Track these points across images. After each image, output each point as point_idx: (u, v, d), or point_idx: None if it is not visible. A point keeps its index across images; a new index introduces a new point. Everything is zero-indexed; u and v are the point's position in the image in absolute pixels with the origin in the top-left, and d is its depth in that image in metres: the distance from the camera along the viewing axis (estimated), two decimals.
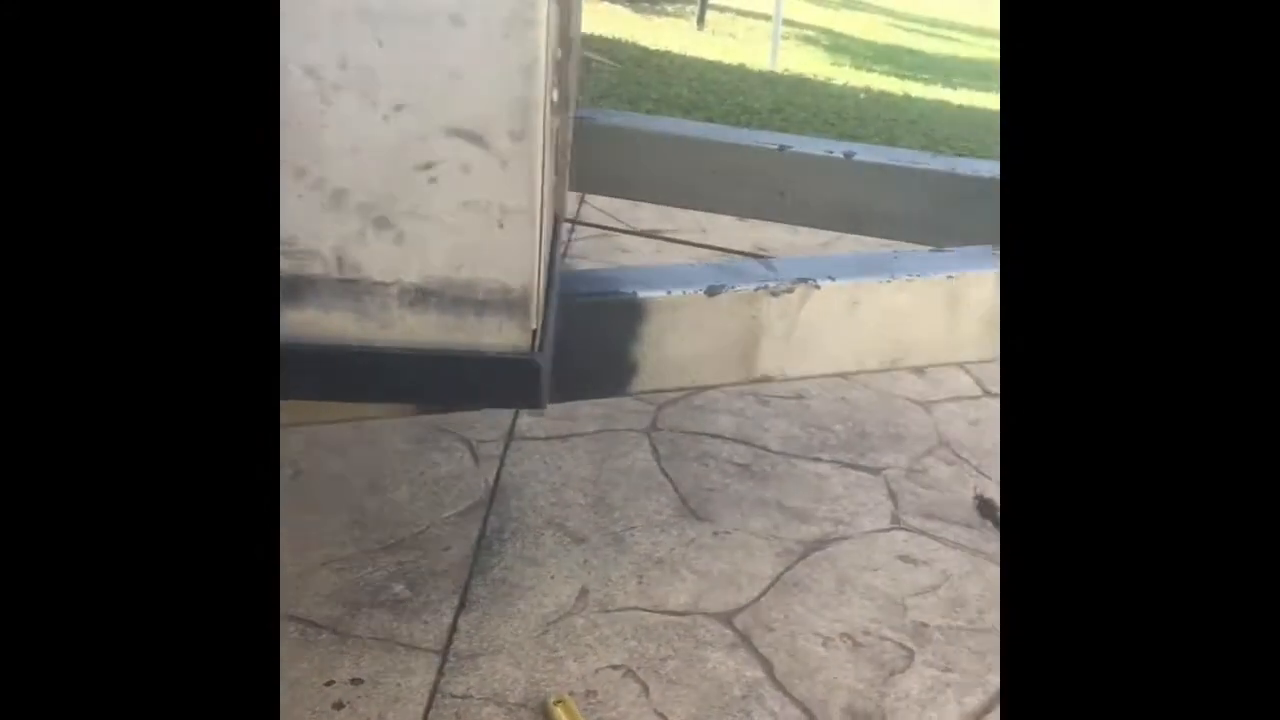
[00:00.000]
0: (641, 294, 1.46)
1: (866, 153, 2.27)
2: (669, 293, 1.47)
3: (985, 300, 1.61)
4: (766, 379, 1.55)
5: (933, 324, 1.60)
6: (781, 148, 2.28)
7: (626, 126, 2.44)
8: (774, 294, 1.51)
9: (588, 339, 1.45)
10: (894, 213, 2.22)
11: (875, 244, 2.37)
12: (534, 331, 1.14)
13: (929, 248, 1.83)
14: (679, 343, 1.49)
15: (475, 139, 1.06)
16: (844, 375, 1.83)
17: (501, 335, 1.14)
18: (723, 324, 1.50)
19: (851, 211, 2.26)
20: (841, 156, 2.24)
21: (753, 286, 1.50)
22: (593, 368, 1.48)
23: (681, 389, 1.65)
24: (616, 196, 2.81)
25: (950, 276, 1.59)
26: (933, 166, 2.21)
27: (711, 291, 1.49)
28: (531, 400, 1.17)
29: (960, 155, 5.57)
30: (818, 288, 1.53)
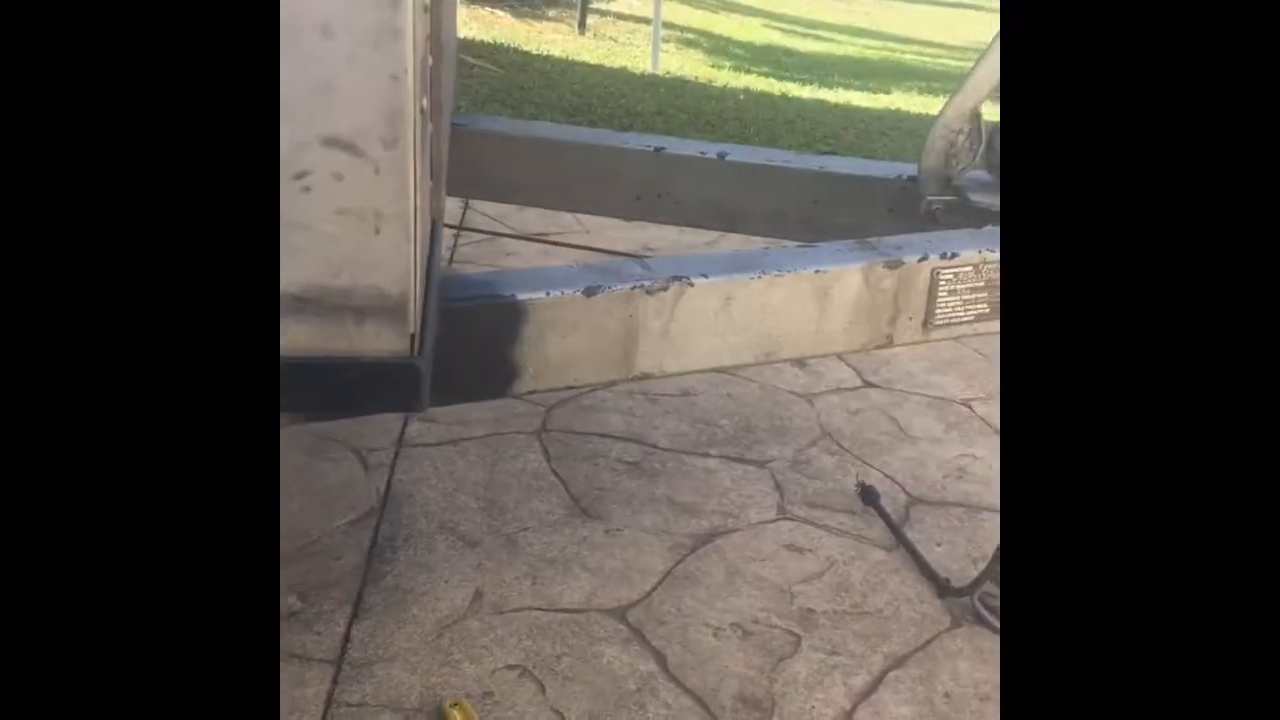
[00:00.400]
0: (521, 296, 1.49)
1: (739, 153, 2.33)
2: (548, 294, 1.50)
3: (851, 293, 1.68)
4: (646, 376, 1.58)
5: (803, 318, 1.66)
6: (658, 150, 2.33)
7: (507, 132, 2.46)
8: (649, 293, 1.55)
9: (469, 342, 1.47)
10: (767, 210, 2.28)
11: (762, 242, 2.43)
12: (412, 336, 1.16)
13: (797, 244, 1.90)
14: (559, 343, 1.52)
15: (348, 147, 1.08)
16: (726, 370, 1.88)
17: (380, 341, 1.15)
18: (601, 323, 1.53)
19: (727, 210, 2.32)
20: (715, 157, 2.30)
21: (629, 286, 1.54)
22: (476, 370, 1.50)
23: (566, 389, 1.68)
24: (499, 201, 2.83)
25: (818, 271, 1.65)
26: (801, 165, 2.28)
27: (589, 292, 1.52)
28: (412, 404, 1.19)
29: (836, 152, 5.72)
30: (691, 285, 1.58)
